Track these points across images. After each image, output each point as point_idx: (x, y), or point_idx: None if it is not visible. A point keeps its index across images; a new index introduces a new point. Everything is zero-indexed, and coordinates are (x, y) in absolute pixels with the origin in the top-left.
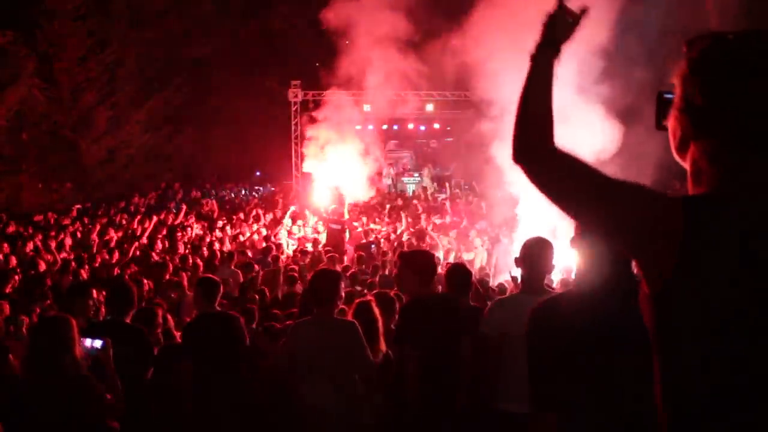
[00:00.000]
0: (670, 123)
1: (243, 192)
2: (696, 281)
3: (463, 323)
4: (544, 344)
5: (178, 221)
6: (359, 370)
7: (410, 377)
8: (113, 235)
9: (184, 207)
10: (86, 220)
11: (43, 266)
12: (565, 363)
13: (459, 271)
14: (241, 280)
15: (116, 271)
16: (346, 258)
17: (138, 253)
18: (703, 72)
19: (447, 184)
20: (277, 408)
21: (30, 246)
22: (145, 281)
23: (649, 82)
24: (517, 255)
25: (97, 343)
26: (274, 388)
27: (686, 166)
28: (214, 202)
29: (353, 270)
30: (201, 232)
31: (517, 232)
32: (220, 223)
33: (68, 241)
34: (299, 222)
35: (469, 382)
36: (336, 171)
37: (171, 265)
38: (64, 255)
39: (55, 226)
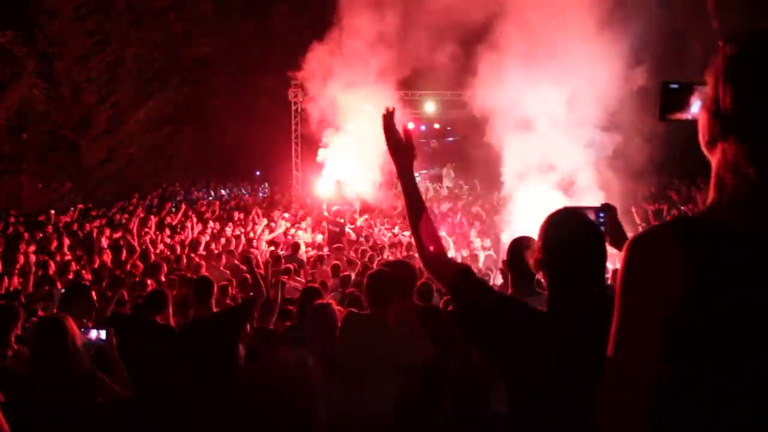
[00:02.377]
0: (701, 117)
1: (243, 192)
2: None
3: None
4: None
5: (177, 221)
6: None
7: None
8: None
9: (183, 206)
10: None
11: (52, 267)
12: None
13: None
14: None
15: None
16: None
17: (138, 253)
18: (734, 74)
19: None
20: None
21: (33, 247)
22: (149, 281)
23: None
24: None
25: (102, 334)
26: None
27: (712, 163)
28: (215, 202)
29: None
30: (198, 232)
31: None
32: (212, 224)
33: (67, 241)
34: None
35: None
36: (340, 165)
37: (166, 265)
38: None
39: (54, 225)
